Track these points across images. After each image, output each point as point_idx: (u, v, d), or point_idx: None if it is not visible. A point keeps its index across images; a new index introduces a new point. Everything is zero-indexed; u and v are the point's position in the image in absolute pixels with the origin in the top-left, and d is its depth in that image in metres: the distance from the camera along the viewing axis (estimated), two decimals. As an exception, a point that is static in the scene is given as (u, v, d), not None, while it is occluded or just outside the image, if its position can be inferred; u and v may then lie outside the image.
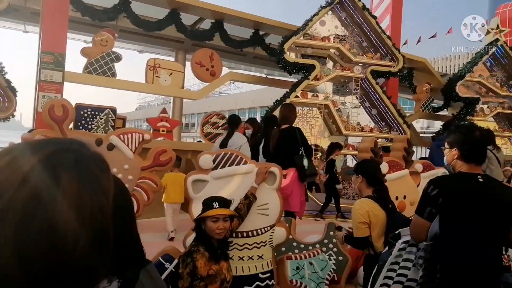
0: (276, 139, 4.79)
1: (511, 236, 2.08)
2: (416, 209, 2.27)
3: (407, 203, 4.31)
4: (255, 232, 3.19)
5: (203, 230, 2.75)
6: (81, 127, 6.96)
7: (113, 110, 7.26)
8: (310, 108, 8.25)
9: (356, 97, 8.75)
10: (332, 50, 8.30)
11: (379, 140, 8.17)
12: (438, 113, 11.29)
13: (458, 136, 2.25)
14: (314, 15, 7.78)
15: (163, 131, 7.67)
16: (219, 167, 3.22)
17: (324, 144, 8.54)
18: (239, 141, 6.16)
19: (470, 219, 2.05)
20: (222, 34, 8.28)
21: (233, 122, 6.44)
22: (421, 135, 12.48)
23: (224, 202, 2.79)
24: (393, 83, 9.09)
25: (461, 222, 2.08)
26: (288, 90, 7.77)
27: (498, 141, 11.40)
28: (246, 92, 32.45)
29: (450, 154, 2.28)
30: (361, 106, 8.87)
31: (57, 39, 6.17)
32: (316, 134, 8.27)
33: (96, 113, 7.08)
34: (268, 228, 3.23)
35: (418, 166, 5.24)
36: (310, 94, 8.01)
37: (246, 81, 8.52)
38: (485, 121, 11.08)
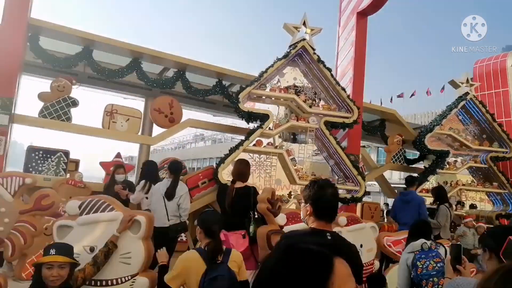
0: (231, 198, 4.77)
1: None
2: None
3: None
4: (114, 281, 3.14)
5: (40, 277, 2.73)
6: (31, 169, 7.12)
7: (66, 153, 7.44)
8: (269, 156, 8.28)
9: (318, 148, 8.80)
10: (290, 101, 8.44)
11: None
12: (413, 165, 11.16)
13: (311, 192, 2.26)
14: (269, 67, 8.00)
15: (116, 175, 7.75)
16: (85, 213, 3.24)
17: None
18: (181, 190, 6.20)
19: None
20: (184, 83, 8.54)
21: (177, 170, 6.52)
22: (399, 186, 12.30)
23: (63, 249, 2.78)
24: (355, 133, 9.11)
25: None
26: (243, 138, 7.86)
27: (474, 195, 11.18)
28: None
29: (304, 209, 2.30)
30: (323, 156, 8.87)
31: (6, 84, 6.46)
32: (273, 183, 8.23)
33: (48, 155, 7.26)
34: (129, 277, 3.18)
35: (342, 220, 5.17)
36: (265, 142, 8.06)
37: (204, 127, 8.66)
38: (460, 175, 10.93)
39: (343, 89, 8.22)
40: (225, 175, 8.37)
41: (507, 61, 12.16)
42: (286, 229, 4.10)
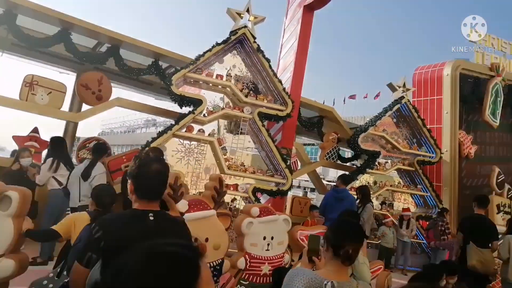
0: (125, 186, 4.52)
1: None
2: (78, 255, 2.00)
3: (209, 246, 4.09)
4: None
5: None
6: None
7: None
8: (200, 144, 8.09)
9: (252, 139, 8.73)
10: (227, 88, 8.28)
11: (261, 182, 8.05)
12: (346, 164, 11.38)
13: (133, 168, 2.05)
14: (207, 50, 7.79)
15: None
16: None
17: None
18: (96, 171, 5.89)
19: None
20: (117, 59, 8.13)
21: (97, 151, 6.18)
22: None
23: None
24: (290, 127, 9.12)
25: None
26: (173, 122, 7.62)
27: (399, 196, 11.61)
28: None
29: (130, 186, 2.09)
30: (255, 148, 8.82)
31: None
32: (201, 171, 8.06)
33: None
34: (-6, 258, 2.91)
35: (254, 210, 5.09)
36: (196, 129, 7.86)
37: (133, 108, 8.31)
38: (388, 176, 11.30)
39: (280, 81, 8.17)
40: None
41: (444, 70, 12.68)
42: (187, 217, 3.96)
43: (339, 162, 10.96)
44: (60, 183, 5.90)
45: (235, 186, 7.87)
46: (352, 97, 45.63)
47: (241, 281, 4.91)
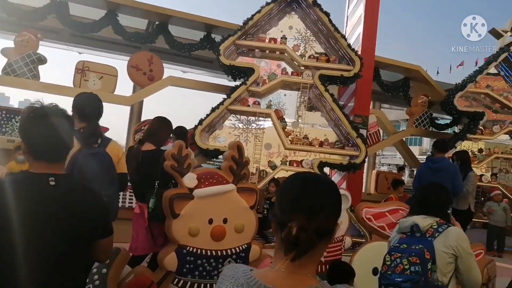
0: (136, 163, 3.85)
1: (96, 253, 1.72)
2: None
3: (228, 228, 3.27)
4: None
5: None
6: (-6, 129, 6.71)
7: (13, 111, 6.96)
8: (257, 118, 7.28)
9: (309, 106, 7.64)
10: (285, 54, 7.32)
11: (331, 156, 7.00)
12: (443, 131, 9.61)
13: (22, 122, 1.65)
14: (256, 12, 6.91)
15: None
16: None
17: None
18: None
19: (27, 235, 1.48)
20: (166, 37, 7.69)
21: (182, 134, 5.70)
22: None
23: None
24: (364, 91, 7.81)
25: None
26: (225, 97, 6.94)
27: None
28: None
29: (22, 145, 1.66)
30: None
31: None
32: (261, 148, 7.26)
33: (12, 115, 6.80)
34: None
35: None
36: (251, 102, 7.07)
37: (187, 86, 7.79)
38: (497, 142, 9.31)
39: (343, 36, 6.95)
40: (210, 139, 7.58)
41: None
42: (196, 193, 3.19)
43: (432, 129, 9.28)
44: None
45: (299, 162, 6.91)
46: (461, 64, 40.49)
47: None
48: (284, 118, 7.05)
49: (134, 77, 7.42)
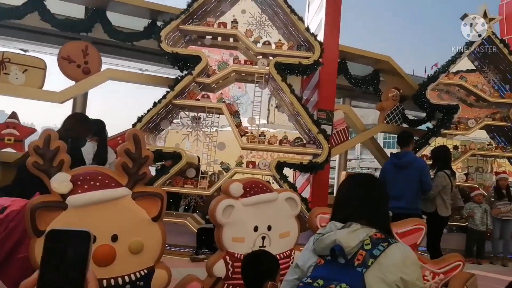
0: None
1: None
2: None
3: (119, 248, 2.39)
4: None
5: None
6: None
7: None
8: (209, 114, 6.41)
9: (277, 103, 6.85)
10: (239, 42, 6.50)
11: (291, 156, 6.19)
12: (416, 127, 8.93)
13: None
14: (202, -6, 6.08)
15: (9, 140, 6.18)
16: None
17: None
18: (111, 157, 4.57)
19: None
20: (104, 25, 6.77)
21: (102, 130, 4.80)
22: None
23: None
24: (328, 83, 7.05)
25: None
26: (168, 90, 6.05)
27: (494, 163, 8.93)
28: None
29: None
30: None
31: None
32: (213, 148, 6.38)
33: None
34: None
35: (235, 188, 3.33)
36: (200, 95, 6.22)
37: (129, 79, 6.87)
38: (470, 138, 8.70)
39: (301, 19, 6.16)
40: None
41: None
42: (72, 200, 2.30)
43: (404, 125, 8.59)
44: None
45: (254, 164, 6.07)
46: (435, 65, 40.65)
47: (222, 296, 3.16)
48: (238, 113, 6.21)
49: (66, 70, 6.46)
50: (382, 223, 1.63)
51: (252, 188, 3.31)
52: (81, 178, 2.34)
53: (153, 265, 2.49)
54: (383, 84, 8.99)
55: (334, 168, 10.55)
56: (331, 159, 7.05)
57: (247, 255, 2.71)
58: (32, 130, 6.45)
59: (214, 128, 6.40)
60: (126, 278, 2.37)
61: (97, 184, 2.37)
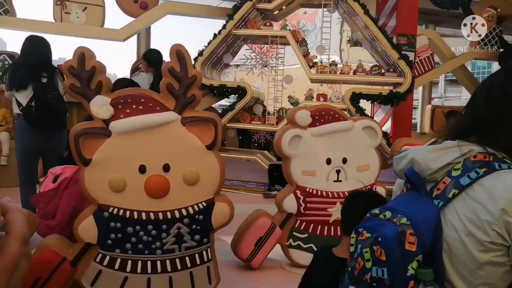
0: None
1: None
2: None
3: (173, 179, 2.10)
4: None
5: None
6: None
7: (11, 55, 6.02)
8: (273, 45, 5.86)
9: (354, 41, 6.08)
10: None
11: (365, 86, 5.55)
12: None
13: None
14: None
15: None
16: None
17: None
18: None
19: None
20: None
21: (157, 61, 4.59)
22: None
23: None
24: (410, 6, 6.08)
25: None
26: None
27: None
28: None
29: None
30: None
31: None
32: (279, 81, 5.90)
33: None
34: None
35: (301, 115, 2.92)
36: (261, 23, 5.66)
37: (186, 13, 6.45)
38: None
39: None
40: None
41: None
42: (116, 126, 1.99)
43: (502, 51, 7.36)
44: None
45: (325, 96, 5.51)
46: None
47: (293, 232, 2.86)
48: (305, 41, 5.58)
49: (123, 5, 6.20)
50: (505, 142, 0.95)
51: (322, 116, 2.86)
52: (121, 101, 2.02)
53: (213, 197, 2.18)
54: (475, 4, 7.67)
55: (417, 107, 9.47)
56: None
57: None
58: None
59: (280, 60, 5.88)
60: (184, 211, 2.08)
61: (140, 108, 2.04)
